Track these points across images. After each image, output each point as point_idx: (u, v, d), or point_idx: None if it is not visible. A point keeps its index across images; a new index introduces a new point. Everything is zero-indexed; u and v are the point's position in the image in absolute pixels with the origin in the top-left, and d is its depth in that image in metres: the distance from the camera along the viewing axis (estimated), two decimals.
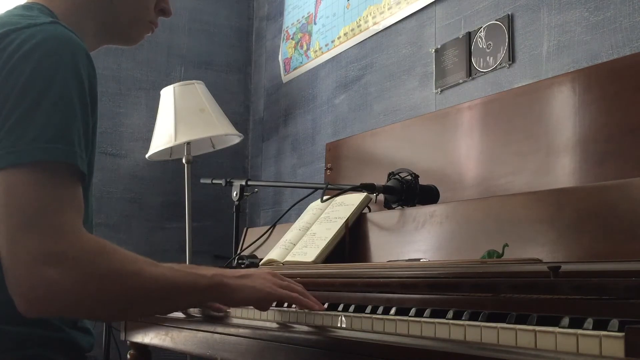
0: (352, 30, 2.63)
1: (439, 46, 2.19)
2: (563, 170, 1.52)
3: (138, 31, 1.22)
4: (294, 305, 1.15)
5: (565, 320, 0.75)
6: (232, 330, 1.25)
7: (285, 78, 3.11)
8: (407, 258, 1.49)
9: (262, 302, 1.12)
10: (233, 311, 1.28)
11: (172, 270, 1.01)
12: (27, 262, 0.87)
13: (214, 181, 2.47)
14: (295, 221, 1.89)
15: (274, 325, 1.16)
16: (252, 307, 1.18)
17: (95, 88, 1.02)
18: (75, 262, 0.89)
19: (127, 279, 0.94)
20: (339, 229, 1.70)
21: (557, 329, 0.73)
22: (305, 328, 1.08)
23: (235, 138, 2.89)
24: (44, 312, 0.92)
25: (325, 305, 1.12)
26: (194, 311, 1.41)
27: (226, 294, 1.07)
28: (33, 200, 0.90)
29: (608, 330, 0.69)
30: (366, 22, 2.54)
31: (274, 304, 1.17)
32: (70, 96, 0.95)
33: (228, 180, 2.38)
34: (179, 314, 1.43)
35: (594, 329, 0.72)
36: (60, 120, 0.94)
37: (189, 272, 1.05)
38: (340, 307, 1.08)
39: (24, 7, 1.09)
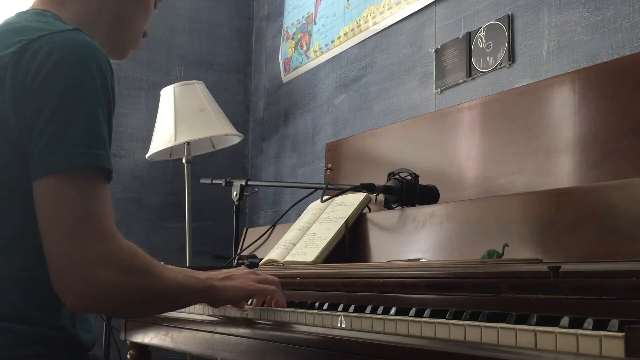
0: (352, 30, 2.63)
1: (439, 46, 2.19)
2: (563, 170, 1.52)
3: (131, 49, 1.29)
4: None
5: (565, 320, 0.75)
6: (232, 330, 1.25)
7: (285, 78, 3.11)
8: (407, 258, 1.49)
9: (246, 299, 1.21)
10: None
11: (179, 273, 1.10)
12: (82, 264, 0.94)
13: (214, 181, 2.47)
14: (295, 221, 1.89)
15: (274, 325, 1.16)
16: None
17: (115, 92, 1.07)
18: (122, 264, 0.98)
19: (156, 280, 1.03)
20: (339, 229, 1.70)
21: (557, 329, 0.73)
22: (305, 328, 1.08)
23: (235, 138, 2.89)
24: (94, 309, 1.01)
25: (326, 305, 1.12)
26: (193, 310, 1.41)
27: (215, 295, 1.14)
28: (80, 206, 0.96)
29: (608, 330, 0.69)
30: (366, 22, 2.54)
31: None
32: (100, 102, 1.01)
33: (228, 180, 2.38)
34: (180, 314, 1.43)
35: (594, 329, 0.72)
36: (96, 126, 1.00)
37: (190, 276, 1.13)
38: (340, 307, 1.08)
39: (36, 13, 1.10)
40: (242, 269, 1.28)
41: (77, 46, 1.01)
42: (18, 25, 1.06)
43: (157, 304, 1.09)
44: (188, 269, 1.29)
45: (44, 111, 0.97)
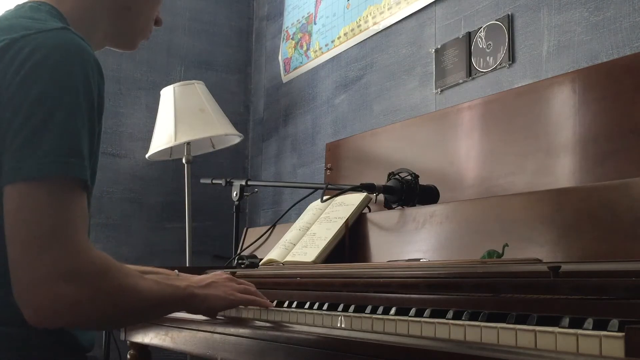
0: (352, 30, 2.63)
1: (439, 46, 2.19)
2: (563, 170, 1.52)
3: (141, 38, 1.24)
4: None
5: (565, 320, 0.75)
6: (232, 330, 1.25)
7: (285, 78, 3.11)
8: (407, 258, 1.49)
9: (226, 309, 1.20)
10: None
11: (156, 283, 1.06)
12: (44, 278, 0.89)
13: (214, 181, 2.47)
14: (295, 221, 1.89)
15: (274, 325, 1.17)
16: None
17: (103, 96, 1.02)
18: (89, 279, 0.93)
19: (128, 293, 0.98)
20: (339, 229, 1.70)
21: (557, 329, 0.73)
22: (305, 328, 1.08)
23: (235, 138, 2.89)
24: (54, 324, 0.94)
25: (326, 306, 1.12)
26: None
27: (196, 304, 1.13)
28: (48, 216, 0.91)
29: (608, 330, 0.69)
30: (366, 22, 2.54)
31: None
32: (81, 109, 0.95)
33: (228, 180, 2.38)
34: (180, 314, 1.43)
35: (594, 329, 0.72)
36: (72, 134, 0.94)
37: (168, 285, 1.10)
38: (340, 307, 1.08)
39: (32, 7, 1.06)
40: (221, 274, 1.25)
41: (61, 46, 0.96)
42: (7, 23, 1.02)
43: (130, 317, 1.07)
44: (169, 277, 1.24)
45: (19, 114, 0.92)
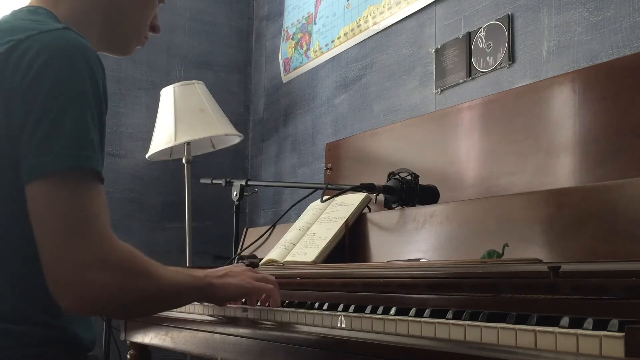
0: (352, 30, 2.62)
1: (439, 46, 2.19)
2: (563, 170, 1.52)
3: (135, 44, 1.26)
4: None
5: (565, 320, 0.75)
6: (232, 330, 1.25)
7: (285, 78, 3.11)
8: (407, 258, 1.49)
9: (244, 297, 1.22)
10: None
11: (177, 273, 1.09)
12: (77, 267, 0.93)
13: (214, 181, 2.47)
14: (295, 221, 1.89)
15: (274, 325, 1.17)
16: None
17: (107, 92, 1.05)
18: (118, 265, 0.97)
19: (154, 280, 1.02)
20: (339, 229, 1.70)
21: (557, 329, 0.73)
22: (305, 328, 1.08)
23: (235, 138, 2.89)
24: (91, 311, 1.00)
25: (326, 306, 1.12)
26: (193, 310, 1.41)
27: (215, 293, 1.15)
28: (71, 209, 0.94)
29: (608, 330, 0.69)
30: (366, 22, 2.54)
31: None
32: (90, 104, 0.99)
33: (228, 180, 2.37)
34: (180, 314, 1.43)
35: (594, 329, 0.71)
36: (85, 128, 0.97)
37: (188, 274, 1.13)
38: (340, 307, 1.08)
39: (29, 11, 1.09)
40: (240, 266, 1.28)
41: (66, 45, 0.99)
42: (9, 25, 1.05)
43: (155, 305, 1.09)
44: (186, 268, 1.28)
45: (32, 113, 0.95)
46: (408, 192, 1.69)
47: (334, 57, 2.75)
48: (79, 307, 0.96)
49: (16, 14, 1.09)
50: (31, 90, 0.96)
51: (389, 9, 2.42)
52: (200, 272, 1.16)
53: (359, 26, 2.59)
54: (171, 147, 2.81)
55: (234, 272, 1.19)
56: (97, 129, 1.00)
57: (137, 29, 1.23)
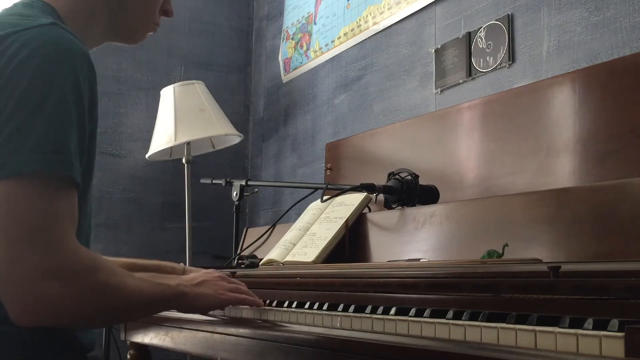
0: (352, 30, 2.62)
1: (439, 46, 2.19)
2: (563, 170, 1.52)
3: (144, 31, 1.22)
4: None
5: (565, 320, 0.75)
6: (232, 330, 1.25)
7: (285, 78, 3.11)
8: (407, 258, 1.49)
9: (217, 308, 1.20)
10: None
11: (144, 282, 1.05)
12: (29, 276, 0.88)
13: (214, 181, 2.47)
14: (295, 221, 1.89)
15: (274, 325, 1.17)
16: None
17: (95, 93, 1.01)
18: (75, 277, 0.91)
19: (115, 291, 0.97)
20: (339, 229, 1.70)
21: (557, 329, 0.73)
22: (305, 328, 1.08)
23: (235, 138, 2.89)
24: (40, 323, 0.93)
25: (326, 305, 1.12)
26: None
27: (187, 303, 1.12)
28: (33, 213, 0.89)
29: (608, 330, 0.69)
30: (366, 22, 2.54)
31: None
32: (68, 105, 0.94)
33: (228, 180, 2.38)
34: (179, 314, 1.43)
35: (594, 329, 0.71)
36: (59, 130, 0.92)
37: (158, 283, 1.08)
38: (340, 307, 1.08)
39: (24, 4, 1.06)
40: (212, 272, 1.24)
41: (49, 42, 0.95)
42: None
43: (117, 316, 1.06)
44: (159, 276, 1.20)
45: (4, 112, 0.91)
46: (408, 192, 1.69)
47: (334, 57, 2.75)
48: (28, 319, 0.91)
49: (11, 8, 1.06)
50: (8, 88, 0.92)
51: (389, 9, 2.42)
52: (173, 281, 1.13)
53: (359, 26, 2.59)
54: (171, 147, 2.81)
55: (208, 281, 1.16)
56: (76, 131, 0.95)
57: (145, 14, 1.19)
